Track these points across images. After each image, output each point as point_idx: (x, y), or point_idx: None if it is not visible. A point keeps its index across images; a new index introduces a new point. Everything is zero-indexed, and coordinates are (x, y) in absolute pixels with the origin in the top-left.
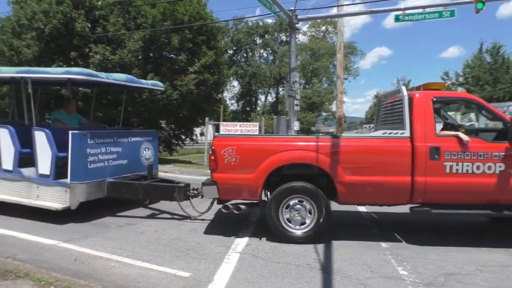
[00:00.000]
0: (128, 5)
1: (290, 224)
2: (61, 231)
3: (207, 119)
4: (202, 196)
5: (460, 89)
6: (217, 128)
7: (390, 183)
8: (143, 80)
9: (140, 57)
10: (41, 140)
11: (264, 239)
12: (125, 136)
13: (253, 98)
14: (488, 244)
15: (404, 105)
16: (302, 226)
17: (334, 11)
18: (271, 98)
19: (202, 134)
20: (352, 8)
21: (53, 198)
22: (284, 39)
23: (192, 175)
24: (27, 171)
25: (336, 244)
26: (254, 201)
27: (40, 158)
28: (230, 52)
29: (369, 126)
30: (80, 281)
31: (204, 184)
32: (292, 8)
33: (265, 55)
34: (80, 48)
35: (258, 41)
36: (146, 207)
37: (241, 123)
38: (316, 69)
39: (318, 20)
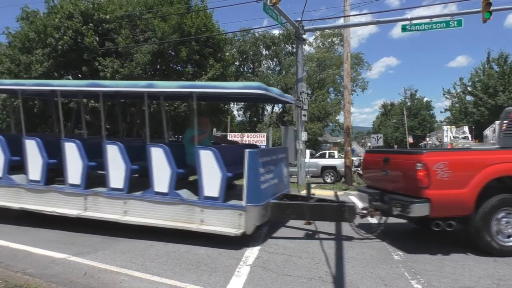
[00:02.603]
0: (137, 19)
1: (498, 237)
2: (72, 245)
3: (214, 130)
4: (372, 216)
5: (468, 97)
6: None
7: None
8: (286, 95)
9: (147, 70)
10: (208, 161)
11: (274, 252)
12: (275, 154)
13: (260, 109)
14: (504, 258)
15: None
16: (510, 239)
17: (340, 21)
18: (277, 109)
19: None
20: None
21: (223, 223)
22: (291, 50)
23: None
24: (184, 194)
25: (348, 257)
26: (463, 216)
27: (206, 179)
28: (237, 63)
29: (377, 136)
30: None
31: (413, 202)
32: (299, 19)
33: (272, 65)
34: (89, 62)
35: (265, 52)
36: None
37: (248, 133)
38: (323, 80)
39: (326, 31)
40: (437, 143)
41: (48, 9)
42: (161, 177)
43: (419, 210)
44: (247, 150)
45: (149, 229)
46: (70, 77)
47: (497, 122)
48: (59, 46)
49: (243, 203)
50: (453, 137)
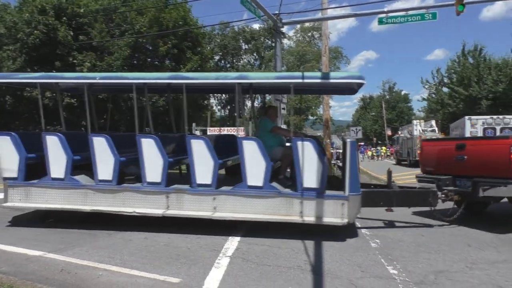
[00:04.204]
0: (112, 12)
1: None
2: (48, 242)
3: (194, 125)
4: (452, 200)
5: (444, 89)
6: (204, 134)
7: None
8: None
9: (124, 64)
10: (309, 152)
11: (254, 243)
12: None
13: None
14: (477, 242)
15: None
16: None
17: (319, 15)
18: (257, 103)
19: None
20: (338, 12)
21: (325, 213)
22: (271, 44)
23: None
24: (278, 186)
25: (327, 246)
26: None
27: (305, 171)
28: (216, 58)
29: (356, 129)
30: None
31: (509, 182)
32: (277, 12)
33: (251, 60)
34: (63, 57)
35: (244, 46)
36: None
37: (228, 128)
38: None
39: (306, 25)
40: (408, 136)
41: (19, 3)
42: (255, 170)
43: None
44: (348, 140)
45: (128, 223)
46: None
47: (467, 117)
48: (30, 41)
49: (346, 192)
50: (422, 130)
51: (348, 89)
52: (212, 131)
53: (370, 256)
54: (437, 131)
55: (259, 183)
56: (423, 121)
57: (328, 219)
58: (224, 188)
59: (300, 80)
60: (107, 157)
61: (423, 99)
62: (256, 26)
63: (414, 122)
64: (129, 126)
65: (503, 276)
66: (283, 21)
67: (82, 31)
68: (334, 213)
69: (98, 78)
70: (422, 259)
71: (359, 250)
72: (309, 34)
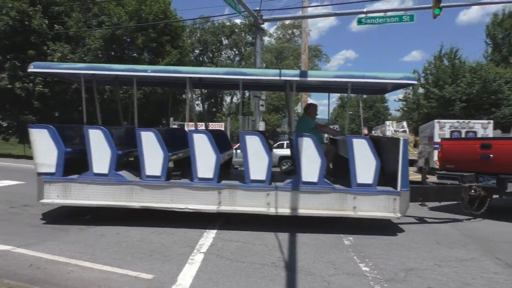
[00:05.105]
0: (89, 2)
1: None
2: (17, 236)
3: (171, 119)
4: (480, 195)
5: (421, 89)
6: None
7: None
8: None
9: (100, 56)
10: (363, 149)
11: (229, 239)
12: None
13: (219, 99)
14: (447, 240)
15: None
16: None
17: (300, 13)
18: (236, 100)
19: None
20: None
21: (377, 208)
22: (251, 40)
23: None
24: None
25: (301, 243)
26: None
27: (359, 167)
28: (196, 52)
29: (334, 127)
30: (34, 287)
31: None
32: (257, 8)
33: (231, 55)
34: (38, 46)
35: (225, 41)
36: None
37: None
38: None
39: (286, 22)
40: (381, 135)
41: None
42: (311, 167)
43: None
44: (401, 139)
45: (100, 218)
46: (16, 61)
47: (436, 120)
48: (0, 27)
49: (398, 188)
50: (394, 131)
51: (383, 89)
52: (190, 126)
53: (343, 253)
54: (407, 132)
55: (314, 179)
56: (395, 122)
57: (380, 214)
58: (278, 184)
59: (360, 80)
60: (156, 152)
61: (400, 99)
62: (238, 20)
63: (387, 123)
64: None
65: (470, 273)
66: (264, 17)
67: (58, 20)
68: (387, 208)
69: (149, 71)
70: (393, 256)
71: (333, 248)
72: (290, 31)
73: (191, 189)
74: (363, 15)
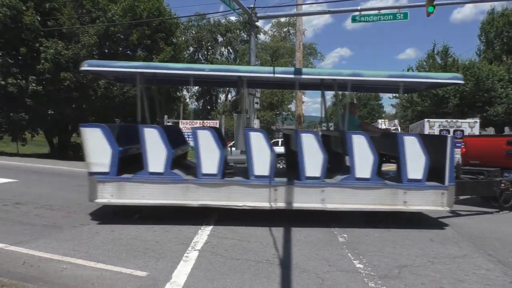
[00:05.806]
0: None
1: None
2: (10, 234)
3: (166, 117)
4: (508, 189)
5: None
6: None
7: None
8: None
9: (94, 53)
10: (413, 147)
11: (224, 236)
12: None
13: (214, 97)
14: (439, 237)
15: None
16: None
17: (295, 11)
18: (231, 97)
19: None
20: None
21: (426, 202)
22: (246, 37)
23: None
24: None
25: (295, 240)
26: None
27: (410, 164)
28: (191, 49)
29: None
30: (28, 285)
31: None
32: (252, 5)
33: (226, 53)
34: (29, 43)
35: (220, 39)
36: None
37: (201, 121)
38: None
39: (281, 20)
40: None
41: None
42: (364, 163)
43: None
44: (449, 136)
45: (94, 216)
46: (8, 58)
47: (426, 119)
48: None
49: (446, 183)
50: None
51: (424, 88)
52: (185, 123)
53: (338, 250)
54: (399, 130)
55: (367, 175)
56: (387, 120)
57: (430, 207)
58: (332, 180)
59: (413, 80)
60: (213, 151)
61: (394, 96)
62: (233, 18)
63: (379, 121)
64: (98, 115)
65: (463, 270)
66: (258, 15)
67: (50, 17)
68: (435, 202)
69: (207, 70)
70: (387, 253)
71: (327, 245)
72: (285, 29)
73: (247, 186)
74: (357, 13)
